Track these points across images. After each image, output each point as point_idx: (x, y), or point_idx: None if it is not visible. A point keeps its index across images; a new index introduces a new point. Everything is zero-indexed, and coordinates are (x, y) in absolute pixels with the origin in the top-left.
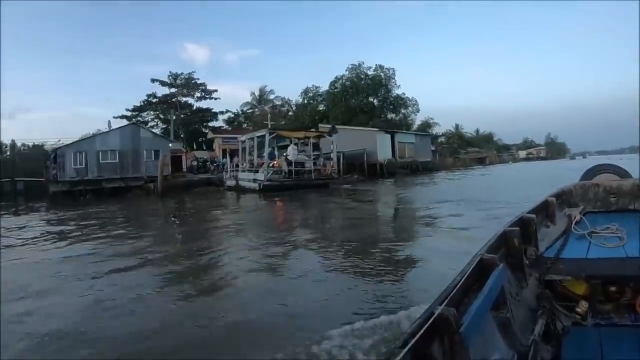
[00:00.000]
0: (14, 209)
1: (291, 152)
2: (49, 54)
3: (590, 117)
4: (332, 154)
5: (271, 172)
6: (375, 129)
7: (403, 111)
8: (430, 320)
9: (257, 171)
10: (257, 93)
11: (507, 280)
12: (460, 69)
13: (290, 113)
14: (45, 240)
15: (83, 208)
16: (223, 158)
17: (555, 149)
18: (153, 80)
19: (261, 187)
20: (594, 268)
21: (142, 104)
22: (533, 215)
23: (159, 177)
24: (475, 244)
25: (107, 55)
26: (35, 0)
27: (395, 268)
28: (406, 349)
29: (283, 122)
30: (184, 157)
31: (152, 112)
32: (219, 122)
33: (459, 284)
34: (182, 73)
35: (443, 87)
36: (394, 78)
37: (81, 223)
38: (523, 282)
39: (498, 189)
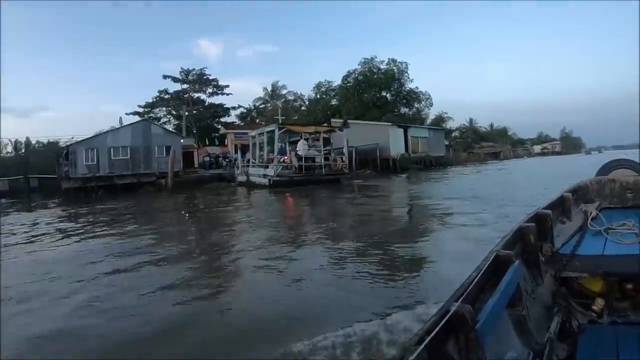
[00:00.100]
0: (24, 206)
1: (301, 147)
2: (65, 52)
3: (606, 111)
4: (344, 149)
5: (281, 167)
6: (388, 124)
7: (416, 105)
8: (446, 318)
9: (267, 167)
10: (269, 88)
11: (523, 277)
12: (474, 63)
13: (303, 108)
14: (50, 236)
15: (92, 205)
16: (235, 153)
17: (570, 144)
18: (165, 77)
19: (271, 182)
20: (611, 265)
21: (154, 100)
22: (549, 211)
23: (170, 173)
24: (480, 247)
25: (122, 53)
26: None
27: (398, 268)
28: (422, 346)
29: (296, 117)
30: (195, 153)
31: (164, 109)
32: (231, 118)
33: (475, 281)
34: (193, 69)
35: (457, 82)
36: (406, 72)
37: (89, 219)
38: (539, 279)
39: (511, 186)
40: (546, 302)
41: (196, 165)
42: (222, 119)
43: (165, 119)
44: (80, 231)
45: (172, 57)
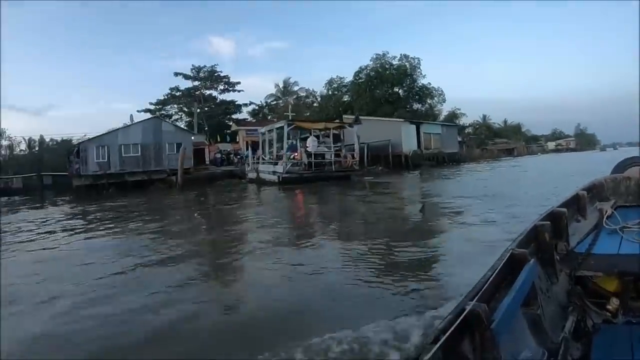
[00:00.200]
0: (36, 203)
1: (310, 143)
2: (78, 51)
3: (620, 108)
4: (355, 145)
5: (290, 164)
6: (400, 120)
7: (429, 101)
8: (462, 317)
9: (276, 163)
10: (281, 85)
11: (538, 275)
12: (488, 59)
13: (315, 104)
14: (51, 234)
15: (101, 202)
16: (247, 150)
17: (584, 140)
18: (176, 74)
19: (280, 179)
20: (626, 264)
21: (166, 97)
22: (564, 209)
23: (179, 170)
24: (487, 250)
25: (135, 51)
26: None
27: (400, 269)
28: (437, 345)
29: (308, 114)
30: (206, 150)
31: (175, 106)
32: (243, 115)
33: (490, 279)
34: (204, 66)
35: (470, 78)
36: (419, 68)
37: (97, 216)
38: (553, 277)
39: (524, 184)
40: (561, 301)
41: (207, 162)
42: (234, 116)
43: (177, 116)
44: (81, 229)
45: (185, 55)
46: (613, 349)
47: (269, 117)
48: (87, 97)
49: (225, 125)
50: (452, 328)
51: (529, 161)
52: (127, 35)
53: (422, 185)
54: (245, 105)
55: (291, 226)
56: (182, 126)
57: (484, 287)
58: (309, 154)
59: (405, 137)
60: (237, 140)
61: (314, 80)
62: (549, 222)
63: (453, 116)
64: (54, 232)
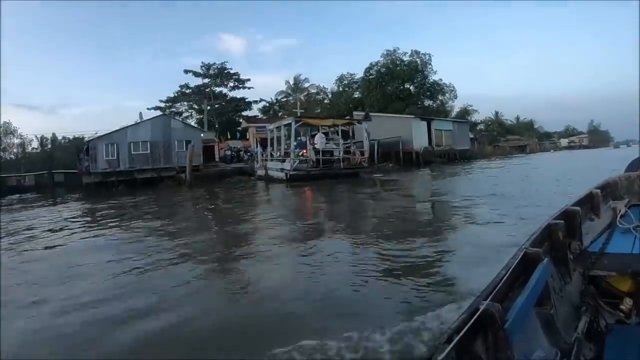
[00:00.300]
0: (46, 200)
1: (319, 140)
2: (91, 49)
3: (635, 104)
4: (364, 142)
5: (298, 161)
6: (411, 116)
7: (440, 98)
8: (475, 316)
9: (284, 160)
10: (291, 82)
11: (551, 275)
12: (501, 55)
13: (325, 101)
14: (52, 232)
15: (109, 199)
16: (257, 147)
17: (598, 137)
18: (186, 71)
19: (288, 176)
20: None
21: (176, 95)
22: (578, 208)
23: (188, 167)
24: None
25: (147, 50)
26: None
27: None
28: (451, 345)
29: (319, 110)
30: (216, 147)
31: (185, 103)
32: (254, 112)
33: (504, 279)
34: (214, 63)
35: (483, 74)
36: (430, 64)
37: (103, 214)
38: (567, 277)
39: (536, 182)
40: (574, 301)
41: (217, 160)
42: (244, 113)
43: (187, 114)
44: (83, 227)
45: (196, 52)
46: (626, 349)
47: (280, 114)
48: (99, 96)
49: (235, 123)
50: (466, 328)
51: (541, 158)
52: (139, 33)
53: (432, 183)
54: (256, 102)
55: (293, 226)
56: (192, 123)
57: (498, 287)
58: (316, 151)
59: (416, 134)
60: (247, 137)
61: (324, 77)
62: (562, 221)
63: (465, 113)
64: (60, 229)
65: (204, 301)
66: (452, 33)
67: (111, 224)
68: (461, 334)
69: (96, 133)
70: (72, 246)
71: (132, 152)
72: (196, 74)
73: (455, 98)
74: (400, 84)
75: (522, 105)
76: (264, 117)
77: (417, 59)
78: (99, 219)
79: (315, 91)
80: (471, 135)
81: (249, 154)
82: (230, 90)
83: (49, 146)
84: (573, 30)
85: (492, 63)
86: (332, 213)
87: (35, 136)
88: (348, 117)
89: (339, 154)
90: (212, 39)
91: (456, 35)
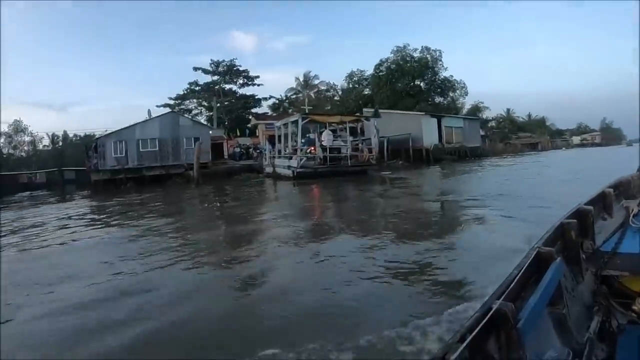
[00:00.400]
0: (55, 197)
1: (326, 137)
2: (103, 48)
3: None
4: (372, 139)
5: (305, 158)
6: (421, 113)
7: (451, 94)
8: (489, 315)
9: (291, 158)
10: (301, 78)
11: (564, 274)
12: (512, 51)
13: (335, 98)
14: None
15: (116, 196)
16: (266, 144)
17: (610, 135)
18: (195, 69)
19: (295, 174)
20: None
21: (185, 92)
22: (590, 207)
23: (195, 165)
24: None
25: (158, 47)
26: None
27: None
28: (464, 344)
29: (329, 107)
30: (225, 144)
31: (194, 100)
32: (264, 109)
33: (517, 278)
34: (223, 60)
35: (494, 71)
36: (440, 60)
37: (107, 210)
38: (579, 276)
39: (546, 182)
40: (586, 301)
41: (226, 157)
42: (254, 110)
43: (196, 111)
44: (81, 225)
45: (207, 50)
46: (638, 350)
47: (290, 111)
48: (110, 93)
49: (244, 120)
50: (479, 327)
51: (552, 156)
52: (150, 31)
53: (440, 181)
54: (265, 99)
55: (290, 226)
56: (202, 121)
57: (511, 286)
58: (324, 148)
59: (426, 131)
60: (257, 134)
61: (335, 73)
62: (575, 220)
63: (476, 110)
64: (60, 228)
65: (205, 300)
66: (463, 30)
67: (113, 222)
68: (474, 333)
69: (106, 130)
70: (71, 244)
71: (141, 150)
72: (205, 71)
73: (466, 95)
74: (411, 81)
75: (534, 102)
76: (274, 114)
77: (428, 55)
78: (102, 216)
79: (325, 88)
80: (482, 133)
81: (258, 151)
82: (239, 88)
83: (60, 144)
84: (586, 26)
85: (504, 60)
86: (335, 213)
87: (47, 134)
88: (357, 114)
89: (347, 151)
90: (222, 37)
91: (467, 31)
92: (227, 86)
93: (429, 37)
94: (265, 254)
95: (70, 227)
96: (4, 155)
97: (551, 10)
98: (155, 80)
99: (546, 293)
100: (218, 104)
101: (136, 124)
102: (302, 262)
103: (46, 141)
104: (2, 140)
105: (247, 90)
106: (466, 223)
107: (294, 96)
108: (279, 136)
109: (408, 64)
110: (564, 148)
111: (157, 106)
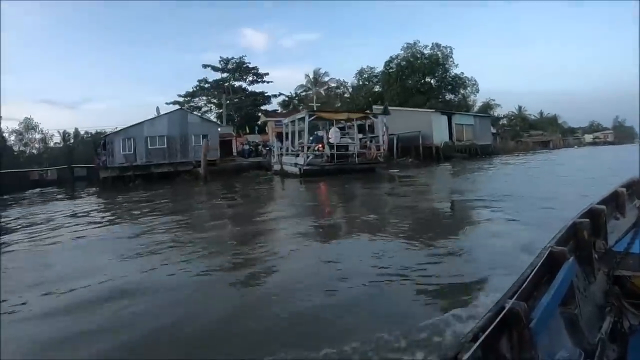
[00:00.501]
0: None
1: (333, 134)
2: (115, 46)
3: None
4: (380, 137)
5: (312, 156)
6: (431, 110)
7: (462, 92)
8: (501, 315)
9: (298, 155)
10: (311, 75)
11: (576, 274)
12: (524, 48)
13: (346, 95)
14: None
15: (120, 193)
16: (277, 141)
17: (623, 134)
18: (205, 66)
19: (301, 171)
20: None
21: (194, 89)
22: (603, 207)
23: (202, 162)
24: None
25: (170, 45)
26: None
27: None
28: (477, 343)
29: (339, 104)
30: (234, 141)
31: (204, 98)
32: (273, 106)
33: (529, 278)
34: (232, 57)
35: (506, 68)
36: (451, 57)
37: (112, 207)
38: (591, 276)
39: (556, 181)
40: (598, 301)
41: (234, 154)
42: (264, 107)
43: (206, 108)
44: (84, 223)
45: (219, 48)
46: None
47: (300, 108)
48: (122, 91)
49: (254, 117)
50: (492, 326)
51: (564, 155)
52: (162, 29)
53: (449, 179)
54: (275, 96)
55: (287, 228)
56: (212, 118)
57: (523, 285)
58: (331, 146)
59: (436, 128)
60: (267, 131)
61: (345, 70)
62: (587, 220)
63: (487, 107)
64: (59, 227)
65: (206, 300)
66: (474, 26)
67: (116, 219)
68: (487, 332)
69: (116, 128)
70: (70, 242)
71: (149, 147)
72: (215, 69)
73: (477, 92)
74: (421, 78)
75: (546, 99)
76: (284, 112)
77: (438, 52)
78: (106, 213)
79: (335, 85)
80: (493, 130)
81: (267, 148)
82: (249, 85)
83: (72, 141)
84: (599, 24)
85: (515, 57)
86: (336, 213)
87: (58, 131)
88: (367, 111)
89: (354, 148)
90: (234, 35)
91: (479, 28)
92: (237, 83)
93: (440, 34)
94: (262, 256)
95: (70, 225)
96: (15, 153)
97: (563, 8)
98: (167, 77)
99: (558, 293)
100: (227, 101)
101: (144, 121)
102: (302, 262)
103: (57, 138)
104: (13, 137)
105: (257, 88)
106: (469, 225)
107: (303, 93)
108: (287, 133)
109: (418, 61)
110: (576, 146)
111: (167, 103)
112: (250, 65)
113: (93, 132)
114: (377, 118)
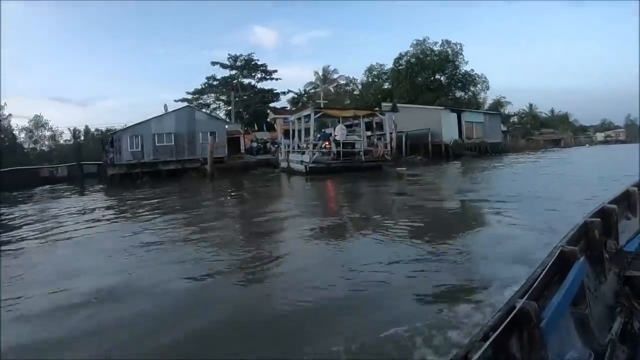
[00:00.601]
0: (71, 191)
1: (339, 132)
2: (126, 43)
3: None
4: (387, 134)
5: (317, 153)
6: (440, 108)
7: (472, 89)
8: (512, 314)
9: (304, 152)
10: (320, 73)
11: (587, 274)
12: (535, 46)
13: (355, 92)
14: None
15: (125, 190)
16: (285, 139)
17: (635, 132)
18: (213, 63)
19: (307, 169)
20: None
21: (203, 87)
22: (614, 206)
23: (209, 159)
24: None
25: (180, 43)
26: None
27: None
28: (487, 343)
29: (348, 102)
30: (242, 139)
31: (212, 95)
32: (282, 103)
33: (540, 277)
34: (241, 55)
35: (517, 66)
36: (461, 54)
37: (117, 204)
38: (602, 277)
39: (566, 181)
40: (609, 301)
41: (243, 151)
42: (273, 104)
43: (215, 105)
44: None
45: (229, 45)
46: None
47: (308, 105)
48: (133, 89)
49: (263, 114)
50: (502, 326)
51: (575, 153)
52: (173, 27)
53: (452, 179)
54: (284, 93)
55: (293, 226)
56: (221, 115)
57: (534, 285)
58: (337, 143)
59: (446, 126)
60: (275, 128)
61: (355, 67)
62: (599, 219)
63: (498, 105)
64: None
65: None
66: (485, 24)
67: (120, 216)
68: (497, 331)
69: (125, 125)
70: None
71: (157, 144)
72: (223, 66)
73: (488, 89)
74: (431, 75)
75: (558, 97)
76: (293, 109)
77: (448, 49)
78: (111, 210)
79: (344, 82)
80: (504, 128)
81: (275, 145)
82: (257, 82)
83: (82, 138)
84: (610, 21)
85: (527, 55)
86: (339, 212)
87: (68, 128)
88: (376, 109)
89: (361, 146)
90: (244, 32)
91: (490, 26)
92: (246, 80)
93: (450, 32)
94: (262, 256)
95: (70, 224)
96: (25, 150)
97: (573, 5)
98: (177, 75)
99: (569, 293)
100: (236, 99)
101: (152, 118)
102: (303, 263)
103: (67, 136)
104: (23, 135)
105: (266, 85)
106: (471, 228)
107: (312, 91)
108: (293, 131)
109: (428, 58)
110: (587, 145)
111: (175, 101)
112: (259, 62)
113: (103, 129)
114: (385, 115)
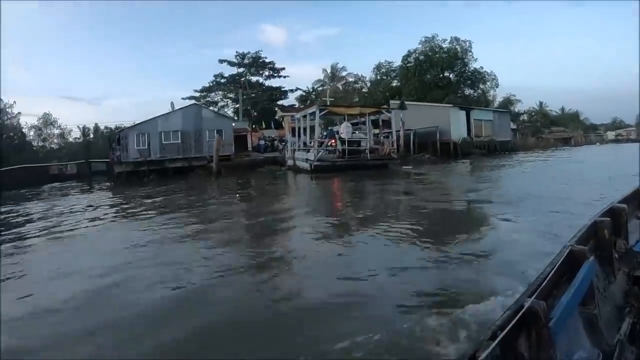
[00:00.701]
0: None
1: (344, 129)
2: (137, 42)
3: None
4: (393, 132)
5: (322, 151)
6: (449, 105)
7: (481, 86)
8: (520, 313)
9: (309, 150)
10: (329, 70)
11: (596, 274)
12: (545, 44)
13: (364, 90)
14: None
15: (130, 188)
16: (293, 137)
17: None
18: (221, 61)
19: (312, 167)
20: None
21: (211, 84)
22: (624, 206)
23: (215, 157)
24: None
25: (190, 41)
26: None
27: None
28: (495, 341)
29: (356, 99)
30: (249, 136)
31: (220, 93)
32: (291, 101)
33: (549, 276)
34: (249, 52)
35: (527, 63)
36: (470, 51)
37: (122, 202)
38: (611, 276)
39: (576, 181)
40: (618, 301)
41: (250, 149)
42: (281, 102)
43: (222, 103)
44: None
45: (237, 44)
46: None
47: (316, 103)
48: (142, 87)
49: (271, 112)
50: (511, 325)
51: (586, 152)
52: (182, 25)
53: (459, 179)
54: (292, 91)
55: (293, 226)
56: (229, 113)
57: (543, 284)
58: (342, 141)
59: (454, 124)
60: (283, 126)
61: (363, 65)
62: (608, 219)
63: (507, 102)
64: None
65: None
66: (495, 21)
67: (120, 215)
68: (505, 330)
69: (134, 123)
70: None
71: (163, 142)
72: (231, 64)
73: (497, 87)
74: (440, 72)
75: (568, 95)
76: (301, 106)
77: (457, 46)
78: (115, 208)
79: (352, 80)
80: (513, 126)
81: (283, 143)
82: (265, 80)
83: (91, 136)
84: (620, 19)
85: (537, 53)
86: (339, 213)
87: (78, 126)
88: (385, 106)
89: (367, 144)
90: (253, 30)
91: (500, 23)
92: (253, 78)
93: (459, 29)
94: (263, 256)
95: (70, 221)
96: (34, 148)
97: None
98: (186, 73)
99: (578, 293)
100: (244, 96)
101: (158, 116)
102: (305, 263)
103: (76, 133)
104: (32, 133)
105: (274, 82)
106: (475, 230)
107: (320, 88)
108: (299, 128)
109: (437, 55)
110: (598, 143)
111: (183, 98)
112: (267, 60)
113: (112, 127)
114: (392, 113)
